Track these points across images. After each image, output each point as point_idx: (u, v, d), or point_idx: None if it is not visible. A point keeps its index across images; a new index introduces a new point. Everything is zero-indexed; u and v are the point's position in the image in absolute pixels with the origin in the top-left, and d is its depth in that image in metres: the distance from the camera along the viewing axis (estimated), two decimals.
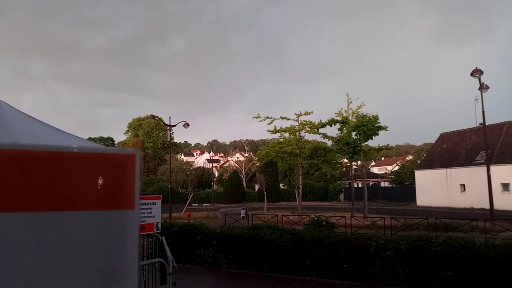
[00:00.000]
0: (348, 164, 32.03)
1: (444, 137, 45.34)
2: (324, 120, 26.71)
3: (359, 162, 31.90)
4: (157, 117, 33.81)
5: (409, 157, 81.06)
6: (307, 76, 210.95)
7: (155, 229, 7.81)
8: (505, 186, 32.80)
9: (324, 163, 30.80)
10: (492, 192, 21.69)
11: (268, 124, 27.67)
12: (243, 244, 10.55)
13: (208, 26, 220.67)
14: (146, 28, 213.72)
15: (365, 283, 8.96)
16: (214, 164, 70.32)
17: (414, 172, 46.75)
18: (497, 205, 24.16)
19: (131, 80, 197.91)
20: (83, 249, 1.26)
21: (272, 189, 46.36)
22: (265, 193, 34.85)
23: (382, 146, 27.89)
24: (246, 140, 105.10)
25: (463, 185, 37.36)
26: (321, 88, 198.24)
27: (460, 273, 8.14)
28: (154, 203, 8.03)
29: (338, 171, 42.36)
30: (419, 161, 55.72)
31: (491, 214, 20.64)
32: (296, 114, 27.69)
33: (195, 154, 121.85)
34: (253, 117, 27.79)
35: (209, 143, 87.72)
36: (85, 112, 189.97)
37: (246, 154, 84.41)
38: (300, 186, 29.36)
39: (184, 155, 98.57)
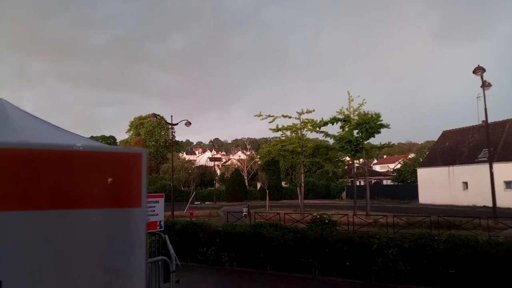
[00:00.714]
0: (350, 162, 31.98)
1: (446, 135, 45.23)
2: (326, 118, 26.70)
3: (361, 160, 31.79)
4: (159, 115, 33.80)
5: (411, 155, 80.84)
6: (308, 74, 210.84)
7: (158, 227, 7.84)
8: (508, 184, 32.71)
9: (326, 161, 30.80)
10: (494, 189, 21.66)
11: (270, 122, 27.72)
12: (246, 242, 10.56)
13: (208, 24, 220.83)
14: (146, 27, 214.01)
15: (367, 280, 8.97)
16: (216, 163, 70.36)
17: (416, 170, 46.67)
18: (500, 203, 24.13)
19: (132, 79, 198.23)
20: (90, 247, 1.27)
21: (274, 187, 46.38)
22: (267, 191, 34.86)
23: (384, 144, 27.83)
24: (248, 138, 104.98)
25: (465, 183, 37.28)
26: (322, 86, 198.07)
27: (463, 270, 8.14)
28: (157, 202, 8.06)
29: (340, 169, 42.35)
30: (421, 159, 55.61)
31: (494, 212, 20.60)
32: (297, 113, 27.70)
33: (197, 152, 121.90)
34: (255, 116, 27.84)
35: (210, 141, 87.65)
36: (86, 111, 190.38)
37: (248, 153, 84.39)
38: (302, 184, 29.36)
39: (186, 154, 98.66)
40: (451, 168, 39.33)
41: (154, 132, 69.03)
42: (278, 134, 29.92)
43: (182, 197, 45.39)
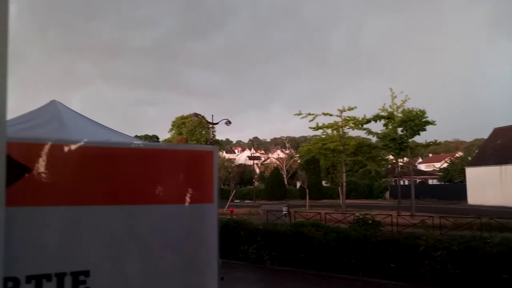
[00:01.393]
0: (394, 161, 31.10)
1: (498, 132, 42.80)
2: (368, 116, 26.10)
3: (405, 158, 30.83)
4: (200, 115, 34.55)
5: (459, 154, 77.33)
6: (349, 70, 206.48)
7: None
8: None
9: (369, 160, 30.13)
10: None
11: (310, 121, 27.45)
12: (287, 241, 10.56)
13: (247, 21, 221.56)
14: (186, 26, 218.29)
15: (413, 283, 8.69)
16: (255, 161, 70.80)
17: (464, 169, 44.56)
18: None
19: (173, 79, 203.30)
20: (168, 240, 1.35)
21: (314, 186, 45.91)
22: (307, 190, 34.60)
23: (430, 142, 26.81)
24: (287, 137, 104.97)
25: None
26: (364, 82, 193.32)
27: None
28: None
29: (383, 168, 41.26)
30: (469, 158, 53.05)
31: None
32: (339, 110, 27.26)
33: (236, 151, 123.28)
34: (295, 114, 27.69)
35: (250, 140, 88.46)
36: (130, 110, 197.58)
37: (287, 151, 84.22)
38: (344, 184, 28.86)
39: (226, 153, 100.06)
40: (503, 167, 37.18)
41: (195, 131, 70.49)
42: (319, 132, 29.60)
43: (222, 195, 45.94)
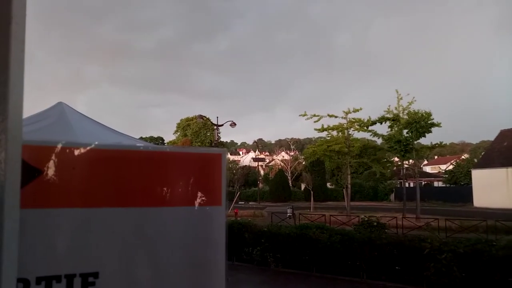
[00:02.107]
0: (399, 163, 30.98)
1: (504, 134, 42.49)
2: (373, 118, 25.99)
3: (410, 160, 30.66)
4: (205, 117, 34.64)
5: (465, 156, 76.83)
6: (355, 72, 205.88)
7: None
8: None
9: (374, 162, 30.00)
10: None
11: (315, 122, 27.38)
12: (291, 243, 10.55)
13: (253, 23, 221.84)
14: (192, 28, 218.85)
15: (419, 286, 8.65)
16: (260, 163, 70.81)
17: (470, 171, 44.27)
18: None
19: (178, 80, 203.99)
20: (177, 242, 1.37)
21: (319, 188, 45.82)
22: (311, 192, 34.53)
23: (435, 144, 26.67)
24: (292, 138, 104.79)
25: None
26: (370, 84, 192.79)
27: None
28: None
29: (388, 170, 41.07)
30: (475, 160, 52.70)
31: None
32: (344, 112, 27.17)
33: (241, 153, 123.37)
34: (300, 115, 27.61)
35: (254, 142, 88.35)
36: (135, 112, 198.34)
37: (292, 153, 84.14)
38: (349, 186, 28.77)
39: (231, 154, 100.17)
40: (510, 169, 36.91)
41: (200, 133, 70.68)
42: (323, 134, 29.53)
43: (227, 197, 45.90)
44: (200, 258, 1.39)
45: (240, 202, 43.76)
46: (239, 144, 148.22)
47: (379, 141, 28.92)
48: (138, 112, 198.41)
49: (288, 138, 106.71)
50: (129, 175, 1.30)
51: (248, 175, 62.35)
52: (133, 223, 1.30)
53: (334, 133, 28.65)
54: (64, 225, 1.22)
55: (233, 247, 11.61)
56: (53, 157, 1.19)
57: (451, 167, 63.74)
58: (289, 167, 61.18)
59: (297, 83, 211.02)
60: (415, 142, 25.06)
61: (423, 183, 54.47)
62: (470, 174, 43.57)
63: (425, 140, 26.80)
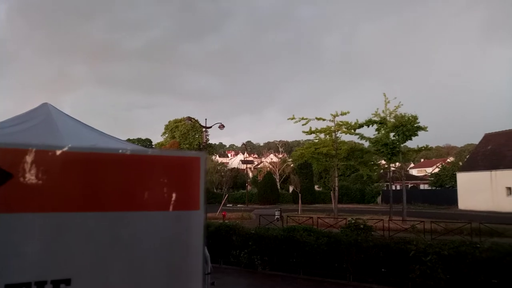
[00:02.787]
0: (386, 166, 31.25)
1: (488, 137, 43.27)
2: (361, 121, 26.24)
3: (397, 163, 30.96)
4: (193, 119, 34.48)
5: (450, 159, 78.01)
6: (343, 75, 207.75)
7: None
8: None
9: (361, 164, 30.22)
10: None
11: (303, 125, 27.52)
12: (279, 246, 10.55)
13: (242, 24, 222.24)
14: (180, 29, 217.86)
15: None
16: (248, 165, 70.70)
17: (455, 174, 44.95)
18: None
19: (167, 82, 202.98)
20: (153, 247, 1.34)
21: (307, 190, 45.97)
22: (299, 194, 34.62)
23: (422, 147, 26.99)
24: (280, 141, 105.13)
25: (509, 188, 35.54)
26: (357, 87, 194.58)
27: (507, 280, 7.74)
28: None
29: (375, 173, 41.45)
30: (461, 163, 53.51)
31: None
32: (332, 115, 27.37)
33: (229, 155, 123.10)
34: (288, 118, 27.74)
35: (243, 144, 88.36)
36: (122, 114, 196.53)
37: (280, 155, 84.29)
38: (336, 188, 28.93)
39: (219, 156, 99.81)
40: (493, 172, 37.56)
41: (188, 135, 70.31)
42: (311, 136, 29.67)
43: (215, 199, 45.81)
44: (177, 264, 1.36)
45: (228, 205, 43.62)
46: (227, 146, 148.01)
47: (366, 144, 29.16)
48: (125, 113, 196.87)
49: (276, 141, 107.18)
50: (104, 179, 1.27)
51: (237, 178, 62.28)
52: (108, 228, 1.26)
53: (322, 135, 28.81)
54: (35, 231, 1.18)
55: (220, 250, 11.56)
56: (25, 161, 1.15)
57: (436, 170, 64.65)
58: (277, 169, 61.25)
59: (286, 85, 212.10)
60: (402, 145, 25.37)
61: (409, 185, 55.09)
62: (455, 177, 44.23)
63: (411, 143, 27.17)
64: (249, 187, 57.00)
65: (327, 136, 28.56)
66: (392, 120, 24.92)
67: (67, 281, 1.20)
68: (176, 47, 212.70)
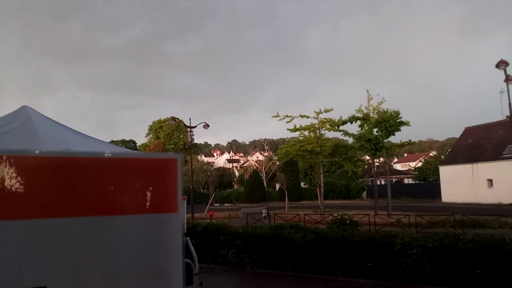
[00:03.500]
0: (370, 161, 31.61)
1: (469, 131, 44.20)
2: (344, 117, 26.48)
3: (381, 159, 31.35)
4: (177, 119, 34.19)
5: (433, 153, 79.40)
6: (326, 72, 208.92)
7: None
8: None
9: (346, 160, 30.50)
10: None
11: (288, 122, 27.64)
12: (267, 244, 10.55)
13: (223, 22, 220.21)
14: (161, 27, 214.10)
15: (391, 281, 8.82)
16: (234, 164, 70.64)
17: (438, 168, 45.77)
18: None
19: (150, 82, 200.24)
20: (131, 250, 1.31)
21: (293, 188, 46.20)
22: (286, 192, 34.77)
23: (405, 142, 27.40)
24: (266, 139, 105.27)
25: (490, 180, 36.34)
26: (340, 84, 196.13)
27: (490, 271, 7.91)
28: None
29: (360, 169, 41.87)
30: (443, 157, 54.52)
31: None
32: (315, 112, 27.55)
33: (215, 154, 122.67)
34: (272, 116, 27.83)
35: (228, 143, 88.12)
36: (105, 115, 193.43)
37: (266, 154, 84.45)
38: (322, 185, 29.15)
39: (205, 156, 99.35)
40: (474, 165, 38.39)
41: (173, 135, 69.82)
42: (296, 134, 29.82)
43: (201, 199, 45.66)
44: (156, 267, 1.33)
45: (215, 204, 43.48)
46: (213, 145, 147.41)
47: (350, 140, 29.45)
48: (108, 115, 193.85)
49: (262, 139, 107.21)
50: (78, 183, 1.23)
51: (223, 177, 62.11)
52: (84, 233, 1.22)
53: (306, 133, 28.97)
54: (7, 238, 1.12)
55: (208, 250, 11.50)
56: None
57: (420, 164, 65.72)
58: (263, 167, 61.34)
59: (270, 83, 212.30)
60: (385, 140, 25.70)
61: (393, 180, 55.86)
62: (438, 171, 45.03)
63: (394, 139, 27.59)
64: (235, 186, 56.94)
65: (312, 133, 28.73)
66: (375, 116, 25.22)
67: None
68: (157, 47, 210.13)
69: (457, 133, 48.51)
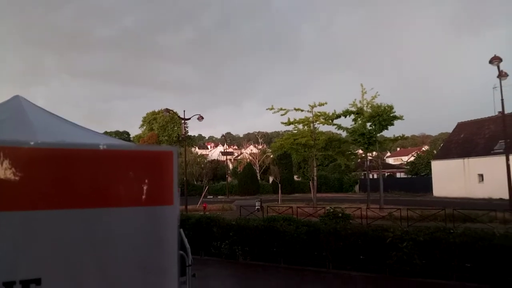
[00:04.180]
0: (363, 155, 31.78)
1: (461, 126, 44.55)
2: (338, 111, 26.54)
3: (374, 153, 31.53)
4: (171, 111, 34.05)
5: (425, 147, 79.99)
6: (320, 66, 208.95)
7: None
8: None
9: (339, 154, 30.64)
10: (511, 182, 21.27)
11: (282, 115, 27.67)
12: (259, 236, 10.61)
13: (218, 13, 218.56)
14: (156, 18, 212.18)
15: (382, 274, 8.93)
16: (228, 157, 70.63)
17: (430, 162, 46.16)
18: None
19: (144, 73, 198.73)
20: (126, 244, 1.31)
21: (287, 181, 46.36)
22: (279, 185, 34.90)
23: (398, 137, 27.57)
24: (260, 132, 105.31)
25: (481, 175, 36.75)
26: (335, 78, 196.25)
27: (479, 264, 8.04)
28: None
29: (353, 162, 42.14)
30: (435, 151, 54.96)
31: (511, 204, 20.25)
32: (310, 106, 27.58)
33: (209, 147, 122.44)
34: (267, 109, 27.86)
35: (222, 135, 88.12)
36: (99, 106, 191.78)
37: (260, 146, 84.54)
38: (315, 178, 29.29)
39: (199, 148, 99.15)
40: (466, 160, 38.77)
41: (167, 127, 69.52)
42: (290, 127, 29.87)
43: (195, 191, 45.65)
44: (151, 261, 1.33)
45: (209, 196, 43.54)
46: (207, 138, 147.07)
47: (343, 134, 29.56)
48: (102, 105, 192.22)
49: (256, 132, 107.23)
50: (73, 175, 1.22)
51: (217, 169, 62.06)
52: (79, 225, 1.22)
53: (300, 126, 29.03)
54: (2, 229, 1.13)
55: (202, 242, 11.54)
56: None
57: (412, 158, 66.25)
58: (257, 160, 61.41)
59: (265, 76, 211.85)
60: (378, 134, 25.83)
61: (386, 174, 56.25)
62: (430, 165, 45.41)
63: (387, 133, 27.74)
64: (229, 179, 56.98)
65: (306, 127, 28.79)
66: (369, 110, 25.30)
67: (37, 281, 1.15)
68: (151, 37, 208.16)
69: (450, 128, 48.87)
